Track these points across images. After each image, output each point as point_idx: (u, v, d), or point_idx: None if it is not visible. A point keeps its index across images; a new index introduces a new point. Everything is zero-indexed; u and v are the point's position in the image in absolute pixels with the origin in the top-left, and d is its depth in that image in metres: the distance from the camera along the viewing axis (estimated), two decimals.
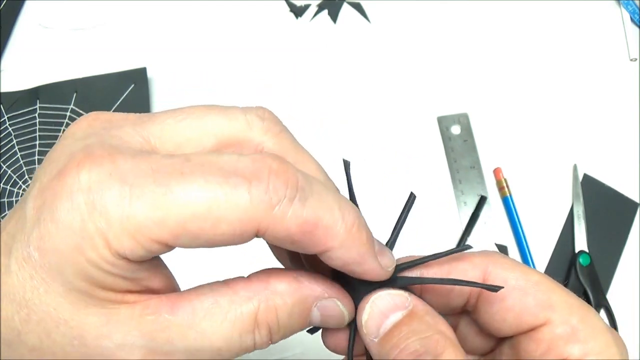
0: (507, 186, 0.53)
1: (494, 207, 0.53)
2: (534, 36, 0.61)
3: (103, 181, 0.17)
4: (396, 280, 0.22)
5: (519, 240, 0.51)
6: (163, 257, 0.22)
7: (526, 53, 0.60)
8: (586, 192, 0.53)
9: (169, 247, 0.18)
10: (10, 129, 0.55)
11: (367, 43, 0.61)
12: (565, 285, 0.49)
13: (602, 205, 0.53)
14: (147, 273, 0.19)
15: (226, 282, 0.20)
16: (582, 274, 0.49)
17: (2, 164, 0.53)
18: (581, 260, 0.50)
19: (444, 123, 0.56)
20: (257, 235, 0.18)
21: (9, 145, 0.54)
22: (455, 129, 0.56)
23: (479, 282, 0.22)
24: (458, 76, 0.59)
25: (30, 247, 0.18)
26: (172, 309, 0.19)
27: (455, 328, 0.26)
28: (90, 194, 0.17)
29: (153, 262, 0.19)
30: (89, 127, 0.19)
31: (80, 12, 0.63)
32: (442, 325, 0.21)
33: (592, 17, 0.62)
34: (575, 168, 0.54)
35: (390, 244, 0.24)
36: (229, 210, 0.17)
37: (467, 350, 0.26)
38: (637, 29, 0.62)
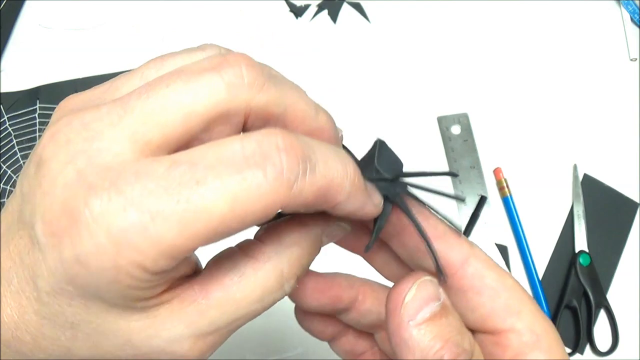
0: (507, 186, 0.53)
1: (494, 207, 0.53)
2: (534, 36, 0.61)
3: (120, 216, 0.16)
4: (400, 184, 0.23)
5: (519, 240, 0.51)
6: None
7: (526, 53, 0.60)
8: (586, 192, 0.53)
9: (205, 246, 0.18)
10: (10, 129, 0.55)
11: (367, 43, 0.61)
12: (565, 286, 0.49)
13: (602, 205, 0.53)
14: (176, 268, 0.19)
15: (243, 250, 0.21)
16: (582, 274, 0.49)
17: (2, 164, 0.53)
18: (581, 260, 0.50)
19: (444, 123, 0.56)
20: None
21: (9, 146, 0.54)
22: (455, 129, 0.56)
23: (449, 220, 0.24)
24: (458, 76, 0.59)
25: (62, 282, 0.17)
26: (206, 294, 0.20)
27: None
28: (112, 233, 0.16)
29: None
30: (67, 142, 0.18)
31: (80, 12, 0.63)
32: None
33: (592, 17, 0.62)
34: (575, 168, 0.54)
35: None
36: (252, 203, 0.17)
37: None
38: (637, 29, 0.62)
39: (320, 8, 0.63)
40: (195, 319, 0.20)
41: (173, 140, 0.18)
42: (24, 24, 0.62)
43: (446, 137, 0.56)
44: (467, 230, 0.51)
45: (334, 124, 0.23)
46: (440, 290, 0.22)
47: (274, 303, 0.21)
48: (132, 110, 0.18)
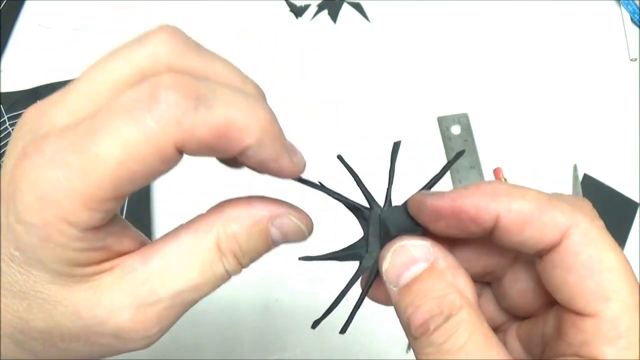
0: None
1: None
2: (534, 36, 0.61)
3: (39, 174, 0.18)
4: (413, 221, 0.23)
5: None
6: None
7: (526, 53, 0.60)
8: (586, 192, 0.53)
9: (123, 197, 0.19)
10: (10, 129, 0.55)
11: (367, 43, 0.61)
12: None
13: (602, 205, 0.53)
14: (114, 238, 0.20)
15: (187, 223, 0.22)
16: None
17: (2, 163, 0.53)
18: None
19: (444, 123, 0.56)
20: (181, 152, 0.19)
21: None
22: (455, 129, 0.56)
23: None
24: (458, 76, 0.59)
25: (10, 248, 0.19)
26: (145, 261, 0.21)
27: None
28: (36, 189, 0.18)
29: (117, 226, 0.21)
30: (24, 124, 0.20)
31: (81, 12, 0.63)
32: (462, 282, 0.21)
33: (592, 17, 0.63)
34: (575, 168, 0.54)
35: (387, 196, 0.26)
36: (145, 145, 0.18)
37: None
38: (637, 29, 0.62)
39: (320, 8, 0.63)
40: (134, 287, 0.20)
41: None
42: (24, 24, 0.62)
43: (446, 137, 0.56)
44: None
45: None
46: (428, 251, 0.21)
47: (217, 281, 0.21)
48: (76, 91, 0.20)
